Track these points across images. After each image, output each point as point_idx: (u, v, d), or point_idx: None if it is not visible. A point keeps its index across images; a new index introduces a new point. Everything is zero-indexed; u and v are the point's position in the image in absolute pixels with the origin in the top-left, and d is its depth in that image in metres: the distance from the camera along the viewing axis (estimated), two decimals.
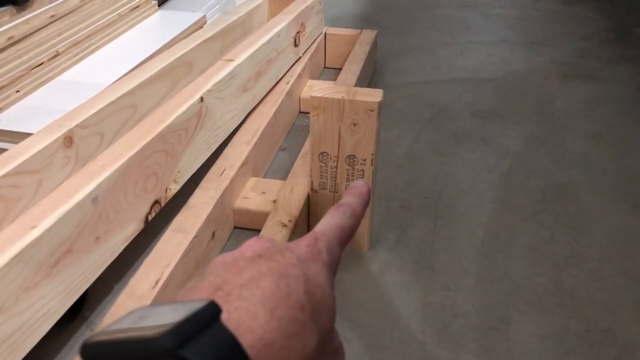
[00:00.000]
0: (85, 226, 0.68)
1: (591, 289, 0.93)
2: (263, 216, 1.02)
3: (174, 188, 0.89)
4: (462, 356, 0.82)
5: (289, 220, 0.93)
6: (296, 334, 0.26)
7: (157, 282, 0.79)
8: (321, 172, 0.95)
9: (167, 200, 0.87)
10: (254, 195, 1.07)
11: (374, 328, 0.87)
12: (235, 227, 1.07)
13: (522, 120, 1.41)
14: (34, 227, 0.61)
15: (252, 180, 1.11)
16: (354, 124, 0.89)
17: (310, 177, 0.96)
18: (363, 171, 0.93)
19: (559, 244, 1.03)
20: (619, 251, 1.01)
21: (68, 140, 0.77)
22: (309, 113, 1.45)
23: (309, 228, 1.02)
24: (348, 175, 0.94)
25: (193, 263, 0.89)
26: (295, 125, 1.41)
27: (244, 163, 1.07)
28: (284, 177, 1.12)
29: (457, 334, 0.86)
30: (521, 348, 0.83)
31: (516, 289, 0.93)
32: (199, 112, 0.96)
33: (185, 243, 0.87)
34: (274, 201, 1.03)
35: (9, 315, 0.57)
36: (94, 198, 0.69)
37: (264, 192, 1.08)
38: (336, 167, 0.93)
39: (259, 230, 1.00)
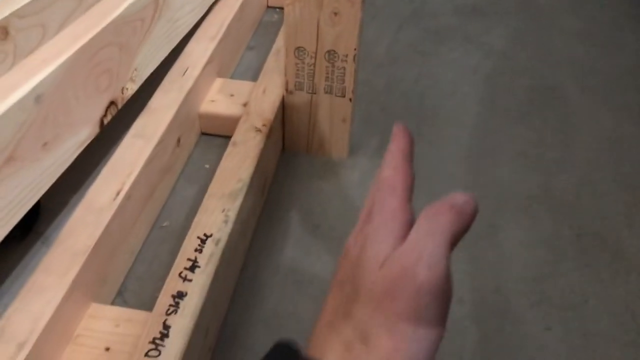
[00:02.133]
0: (28, 129, 0.58)
1: (581, 193, 0.89)
2: (232, 121, 0.93)
3: (132, 88, 0.79)
4: (452, 266, 0.77)
5: (263, 125, 0.84)
6: None
7: (118, 193, 0.71)
8: (297, 70, 0.85)
9: (124, 102, 0.77)
10: (221, 98, 0.97)
11: None
12: (203, 133, 0.98)
13: (506, 18, 1.32)
14: None
15: (219, 82, 1.01)
16: (335, 14, 0.78)
17: (285, 76, 0.87)
18: (344, 69, 0.83)
19: (547, 147, 0.97)
20: (609, 155, 0.97)
21: (3, 31, 0.65)
22: (278, 8, 1.33)
23: (284, 134, 0.93)
24: (327, 73, 0.84)
25: (157, 172, 0.80)
26: (263, 21, 1.28)
27: (209, 61, 0.96)
28: (253, 79, 1.02)
29: None
30: (510, 255, 0.79)
31: (504, 195, 0.88)
32: (155, 1, 0.84)
33: (148, 150, 0.77)
34: (245, 104, 0.93)
35: None
36: (37, 97, 0.59)
37: (232, 95, 0.98)
38: (314, 64, 0.84)
39: (228, 137, 0.91)
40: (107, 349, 0.61)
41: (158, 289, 0.68)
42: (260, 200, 0.84)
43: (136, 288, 0.74)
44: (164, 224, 0.82)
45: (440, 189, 0.89)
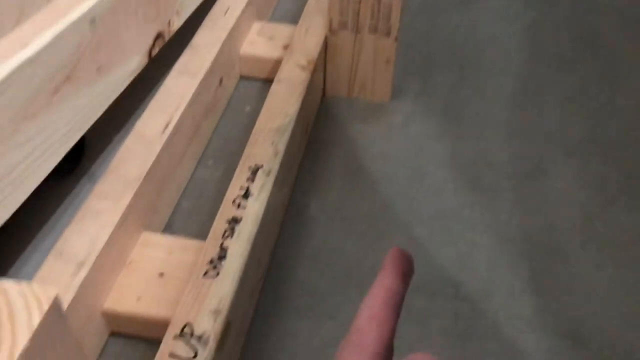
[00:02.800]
0: (84, 51, 0.58)
1: (629, 139, 0.87)
2: (272, 63, 0.92)
3: (177, 22, 0.78)
4: (498, 205, 0.77)
5: (308, 63, 0.83)
6: None
7: (166, 126, 0.70)
8: (342, 7, 0.84)
9: (170, 35, 0.76)
10: (261, 40, 0.96)
11: (401, 179, 0.81)
12: (242, 77, 0.97)
13: None
14: (25, 44, 0.50)
15: (258, 25, 0.99)
16: None
17: (329, 14, 0.85)
18: (390, 6, 0.82)
19: (593, 93, 0.95)
20: None
21: None
22: None
23: (325, 77, 0.92)
24: (373, 10, 0.83)
25: (201, 110, 0.80)
26: None
27: (249, 3, 0.95)
28: (291, 22, 1.00)
29: (490, 183, 0.80)
30: (559, 197, 0.78)
31: (551, 139, 0.87)
32: None
33: (193, 86, 0.77)
34: (285, 47, 0.92)
35: (7, 146, 0.49)
36: (92, 19, 0.58)
37: (271, 37, 0.96)
38: (360, 0, 0.82)
39: (267, 80, 0.90)
40: (161, 275, 0.62)
41: (205, 224, 0.68)
42: (303, 140, 0.83)
43: (183, 222, 0.74)
44: (209, 163, 0.82)
45: (486, 134, 0.87)
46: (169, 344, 0.50)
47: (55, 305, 0.32)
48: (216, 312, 0.52)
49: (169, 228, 0.73)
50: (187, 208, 0.76)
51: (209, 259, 0.57)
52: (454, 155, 0.84)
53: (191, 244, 0.65)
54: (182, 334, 0.51)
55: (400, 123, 0.89)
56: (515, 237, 0.73)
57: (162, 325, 0.54)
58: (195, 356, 0.49)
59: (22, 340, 0.30)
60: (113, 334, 0.62)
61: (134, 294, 0.60)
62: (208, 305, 0.53)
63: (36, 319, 0.31)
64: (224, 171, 0.80)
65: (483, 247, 0.72)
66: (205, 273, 0.55)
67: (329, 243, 0.72)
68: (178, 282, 0.61)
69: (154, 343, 0.56)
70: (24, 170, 0.52)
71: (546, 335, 0.63)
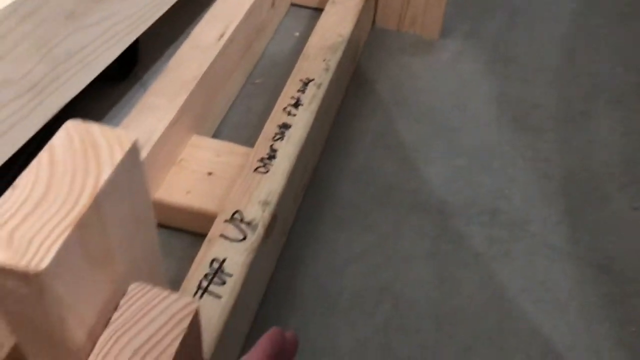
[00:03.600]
0: None
1: None
2: None
3: None
4: (540, 144, 0.77)
5: None
6: None
7: (221, 36, 0.72)
8: None
9: None
10: None
11: (446, 112, 0.81)
12: (293, 4, 0.97)
13: None
14: None
15: None
16: None
17: None
18: None
19: None
20: None
21: None
22: None
23: (376, 8, 0.92)
24: None
25: (254, 28, 0.81)
26: None
27: None
28: None
29: (535, 123, 0.80)
30: (602, 141, 0.78)
31: (598, 86, 0.86)
32: None
33: (249, 3, 0.78)
34: None
35: (79, 25, 0.51)
36: None
37: None
38: None
39: (316, 9, 0.91)
40: (210, 174, 0.64)
41: (251, 136, 0.70)
42: (351, 66, 0.84)
43: (230, 132, 0.76)
44: (257, 81, 0.84)
45: (533, 77, 0.87)
46: (219, 226, 0.53)
47: (135, 147, 0.35)
48: (265, 204, 0.54)
49: (216, 136, 0.75)
50: (234, 120, 0.78)
51: (260, 157, 0.59)
52: (500, 95, 0.84)
53: (239, 148, 0.67)
54: (232, 218, 0.53)
55: (448, 60, 0.90)
56: (554, 174, 0.74)
57: (208, 219, 0.57)
58: (244, 239, 0.51)
59: (106, 172, 0.33)
60: (159, 226, 0.65)
61: (183, 188, 0.63)
62: (257, 197, 0.55)
63: (118, 156, 0.34)
64: (271, 89, 0.82)
65: (521, 181, 0.73)
66: (256, 169, 0.57)
67: (371, 164, 0.74)
68: (225, 181, 0.63)
69: (199, 236, 0.58)
70: (92, 52, 0.54)
71: (577, 265, 0.64)
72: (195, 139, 0.68)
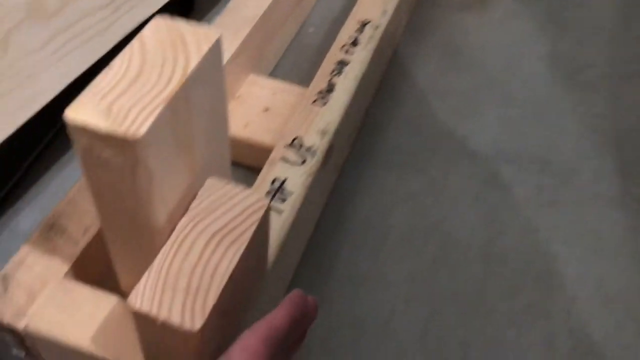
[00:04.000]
0: None
1: None
2: None
3: None
4: (592, 100, 0.77)
5: None
6: None
7: None
8: None
9: None
10: None
11: (498, 66, 0.81)
12: None
13: None
14: None
15: None
16: None
17: None
18: None
19: None
20: None
21: None
22: None
23: None
24: None
25: None
26: None
27: None
28: None
29: (588, 81, 0.80)
30: None
31: None
32: None
33: None
34: None
35: None
36: None
37: None
38: None
39: None
40: (266, 110, 0.66)
41: (305, 81, 0.71)
42: (405, 17, 0.85)
43: (285, 76, 0.77)
44: (310, 30, 0.85)
45: (587, 38, 0.86)
46: (280, 151, 0.54)
47: (218, 43, 0.36)
48: (323, 132, 0.56)
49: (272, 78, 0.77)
50: (288, 64, 0.79)
51: (318, 90, 0.60)
52: (553, 53, 0.84)
53: (294, 88, 0.68)
54: (292, 144, 0.55)
55: (501, 17, 0.89)
56: (606, 130, 0.74)
57: (265, 152, 0.58)
58: (303, 162, 0.53)
59: (194, 61, 0.34)
60: None
61: (241, 121, 0.64)
62: (316, 126, 0.56)
63: (204, 48, 0.35)
64: (323, 38, 0.83)
65: (573, 134, 0.73)
66: (314, 101, 0.59)
67: (422, 111, 0.75)
68: (281, 117, 0.65)
69: (254, 170, 0.60)
70: None
71: (629, 215, 0.64)
72: (252, 78, 0.69)
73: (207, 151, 0.39)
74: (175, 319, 0.32)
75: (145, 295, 0.33)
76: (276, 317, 0.34)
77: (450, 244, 0.61)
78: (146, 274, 0.34)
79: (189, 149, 0.36)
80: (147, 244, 0.37)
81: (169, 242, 0.36)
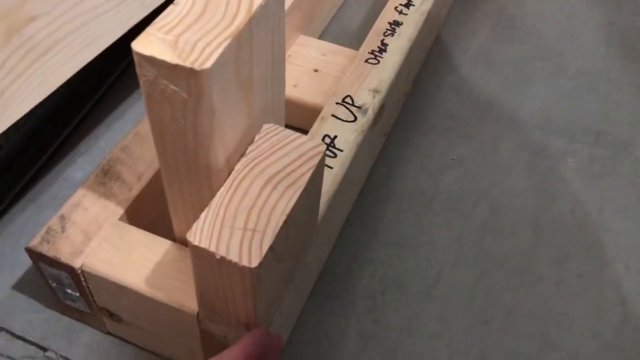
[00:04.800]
0: None
1: None
2: None
3: None
4: None
5: None
6: None
7: None
8: None
9: None
10: None
11: (552, 36, 0.79)
12: None
13: None
14: None
15: None
16: None
17: None
18: None
19: None
20: None
21: None
22: None
23: None
24: None
25: None
26: None
27: None
28: None
29: None
30: None
31: None
32: None
33: None
34: None
35: None
36: None
37: None
38: None
39: None
40: (315, 70, 0.65)
41: (353, 44, 0.70)
42: None
43: (334, 40, 0.77)
44: (352, 5, 0.84)
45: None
46: (331, 107, 0.54)
47: None
48: (375, 91, 0.55)
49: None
50: (337, 27, 0.79)
51: (370, 49, 0.59)
52: (610, 25, 0.81)
53: (344, 50, 0.67)
54: (343, 101, 0.54)
55: None
56: None
57: (314, 113, 0.58)
58: (354, 120, 0.53)
59: (257, 1, 0.34)
60: None
61: (290, 82, 0.64)
62: (368, 85, 0.56)
63: None
64: (372, 3, 0.82)
65: (628, 106, 0.70)
66: (367, 60, 0.58)
67: (472, 79, 0.73)
68: (331, 78, 0.64)
69: (301, 132, 0.60)
70: None
71: None
72: (302, 39, 0.69)
73: (265, 96, 0.39)
74: (233, 255, 0.33)
75: (204, 231, 0.33)
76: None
77: (499, 211, 0.60)
78: (205, 211, 0.34)
79: (249, 90, 0.36)
80: (205, 185, 0.37)
81: (227, 183, 0.36)
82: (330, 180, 0.48)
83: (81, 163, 0.63)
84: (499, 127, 0.68)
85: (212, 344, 0.41)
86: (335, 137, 0.51)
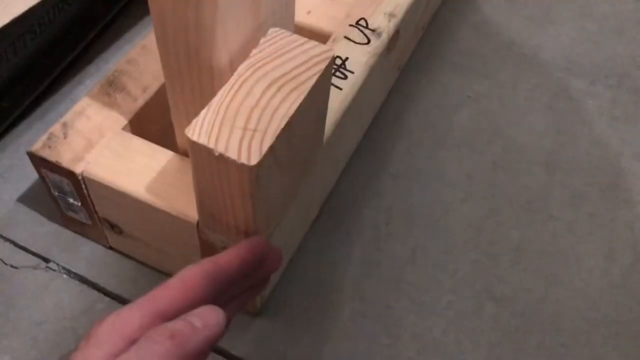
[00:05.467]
0: None
1: None
2: None
3: None
4: None
5: None
6: None
7: None
8: None
9: None
10: None
11: None
12: None
13: None
14: None
15: None
16: None
17: None
18: None
19: None
20: None
21: None
22: None
23: None
24: None
25: None
26: None
27: None
28: None
29: None
30: None
31: None
32: None
33: None
34: None
35: None
36: None
37: None
38: None
39: None
40: None
41: None
42: None
43: None
44: None
45: None
46: (344, 29, 0.52)
47: None
48: (391, 15, 0.53)
49: None
50: None
51: None
52: None
53: None
54: (357, 24, 0.52)
55: None
56: None
57: (327, 40, 0.56)
58: (367, 43, 0.51)
59: None
60: None
61: (304, 8, 0.62)
62: (384, 8, 0.54)
63: None
64: None
65: None
66: None
67: (494, 17, 0.71)
68: (346, 6, 0.61)
69: None
70: None
71: None
72: None
73: (272, 4, 0.37)
74: (231, 153, 0.32)
75: (204, 128, 0.32)
76: (223, 256, 0.32)
77: (514, 149, 0.59)
78: (205, 109, 0.33)
79: None
80: (207, 87, 0.36)
81: (229, 83, 0.35)
82: (339, 101, 0.47)
83: (89, 84, 0.62)
84: (519, 66, 0.66)
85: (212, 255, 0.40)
86: (347, 58, 0.50)
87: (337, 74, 0.49)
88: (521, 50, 0.67)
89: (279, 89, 0.35)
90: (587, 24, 0.70)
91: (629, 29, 0.70)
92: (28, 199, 0.53)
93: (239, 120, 0.33)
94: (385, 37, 0.51)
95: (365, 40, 0.51)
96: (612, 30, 0.70)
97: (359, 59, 0.50)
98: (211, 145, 0.32)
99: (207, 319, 0.28)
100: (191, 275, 0.30)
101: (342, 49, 0.50)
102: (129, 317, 0.27)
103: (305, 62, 0.36)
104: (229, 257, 0.32)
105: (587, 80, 0.65)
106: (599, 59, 0.67)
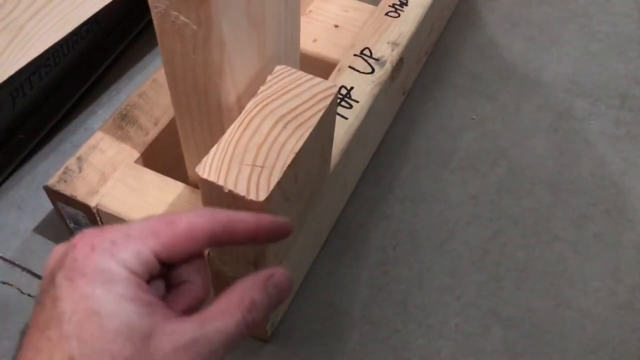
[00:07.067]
0: None
1: None
2: None
3: None
4: None
5: None
6: None
7: None
8: None
9: None
10: None
11: (584, 2, 0.77)
12: None
13: None
14: None
15: None
16: None
17: None
18: None
19: None
20: None
21: None
22: None
23: None
24: None
25: None
26: None
27: None
28: None
29: None
30: None
31: None
32: None
33: None
34: None
35: None
36: None
37: None
38: None
39: None
40: (336, 26, 0.65)
41: (375, 3, 0.69)
42: None
43: None
44: None
45: None
46: (349, 59, 0.53)
47: None
48: (394, 44, 0.54)
49: None
50: None
51: (392, 3, 0.58)
52: None
53: (366, 6, 0.66)
54: (361, 53, 0.54)
55: None
56: None
57: (333, 68, 0.57)
58: (372, 72, 0.52)
59: None
60: None
61: (310, 37, 0.64)
62: (387, 37, 0.55)
63: None
64: None
65: None
66: (387, 13, 0.57)
67: (496, 39, 0.72)
68: (351, 34, 0.63)
69: None
70: None
71: None
72: None
73: (277, 36, 0.39)
74: (240, 190, 0.33)
75: (213, 165, 0.34)
76: (240, 213, 0.27)
77: (518, 171, 0.60)
78: (215, 147, 0.35)
79: (261, 26, 0.36)
80: (216, 124, 0.38)
81: (237, 121, 0.36)
82: (345, 130, 0.48)
83: (102, 114, 0.64)
84: (522, 87, 0.67)
85: (223, 285, 0.42)
86: (352, 88, 0.51)
87: (343, 103, 0.50)
88: (525, 72, 0.68)
89: (285, 126, 0.36)
90: (589, 44, 0.71)
91: (630, 49, 0.71)
92: (44, 229, 0.54)
93: (247, 157, 0.34)
94: (389, 66, 0.53)
95: (370, 70, 0.52)
96: (614, 50, 0.71)
97: (364, 88, 0.51)
98: (221, 182, 0.33)
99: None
100: (199, 220, 0.26)
101: (347, 78, 0.52)
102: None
103: (311, 98, 0.37)
104: (245, 215, 0.27)
105: (590, 100, 0.66)
106: (601, 79, 0.68)
